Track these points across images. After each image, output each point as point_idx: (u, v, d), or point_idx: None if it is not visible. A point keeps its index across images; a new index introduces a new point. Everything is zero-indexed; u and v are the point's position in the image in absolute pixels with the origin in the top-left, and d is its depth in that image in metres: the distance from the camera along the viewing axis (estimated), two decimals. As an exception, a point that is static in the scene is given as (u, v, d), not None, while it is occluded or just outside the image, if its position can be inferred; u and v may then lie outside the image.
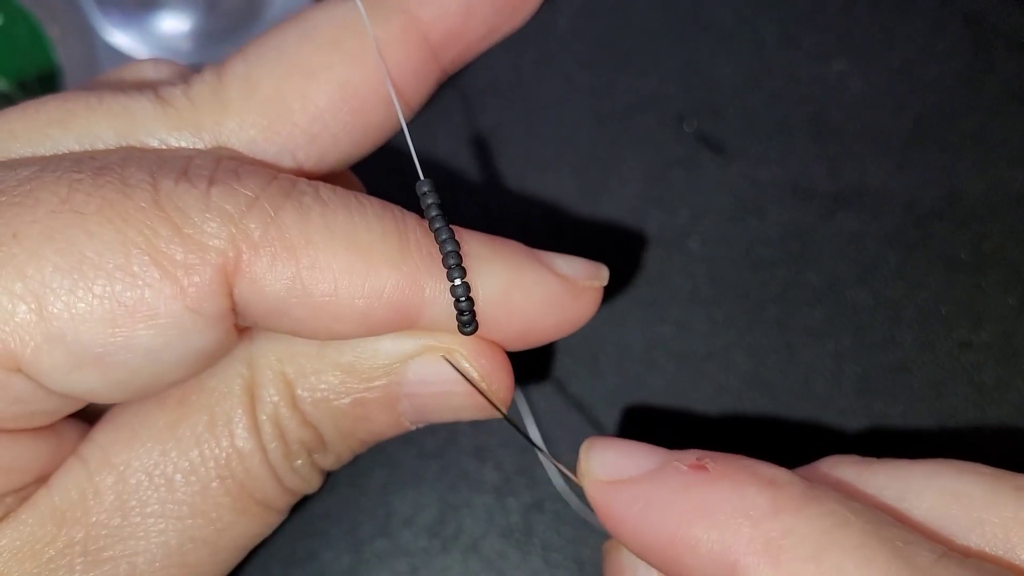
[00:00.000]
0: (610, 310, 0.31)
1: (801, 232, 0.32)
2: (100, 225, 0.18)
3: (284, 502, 0.23)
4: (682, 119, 0.33)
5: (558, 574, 0.30)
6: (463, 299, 0.20)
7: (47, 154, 0.21)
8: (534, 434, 0.30)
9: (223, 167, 0.20)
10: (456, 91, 0.33)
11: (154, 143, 0.21)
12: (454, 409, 0.22)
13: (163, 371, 0.20)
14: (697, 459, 0.20)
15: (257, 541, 0.23)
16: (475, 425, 0.31)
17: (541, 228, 0.33)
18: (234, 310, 0.20)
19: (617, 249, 0.32)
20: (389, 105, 0.22)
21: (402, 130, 0.22)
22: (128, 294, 0.18)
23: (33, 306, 0.18)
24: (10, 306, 0.18)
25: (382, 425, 0.23)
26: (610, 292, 0.24)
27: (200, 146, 0.21)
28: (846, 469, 0.21)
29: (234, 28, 0.33)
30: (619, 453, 0.21)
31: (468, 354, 0.21)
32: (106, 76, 0.24)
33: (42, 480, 0.21)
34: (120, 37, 0.33)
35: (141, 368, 0.19)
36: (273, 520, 0.23)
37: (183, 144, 0.21)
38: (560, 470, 0.22)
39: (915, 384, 0.31)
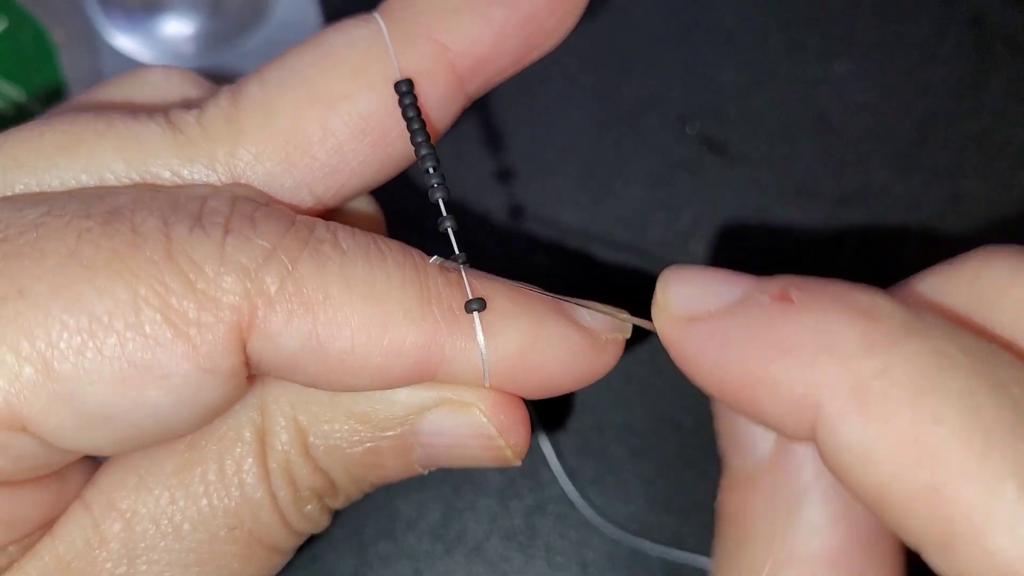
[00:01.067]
0: (613, 312, 0.31)
1: (804, 234, 0.32)
2: (110, 280, 0.18)
3: (292, 544, 0.22)
4: (685, 122, 0.33)
5: (562, 576, 0.30)
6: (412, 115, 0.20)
7: (54, 185, 0.20)
8: (538, 435, 0.30)
9: (238, 212, 0.19)
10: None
11: (166, 174, 0.20)
12: (468, 459, 0.22)
13: (173, 427, 0.19)
14: (782, 288, 0.18)
15: None
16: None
17: (544, 232, 0.33)
18: (247, 364, 0.19)
19: (620, 251, 0.32)
20: (408, 141, 0.21)
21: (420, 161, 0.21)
22: (139, 354, 0.18)
23: (39, 366, 0.17)
24: (16, 366, 0.17)
25: (394, 471, 0.22)
26: (612, 292, 0.24)
27: (214, 178, 0.20)
28: (1000, 264, 0.18)
29: (238, 32, 0.33)
30: (698, 285, 0.19)
31: (487, 409, 0.21)
32: (114, 85, 0.23)
33: (46, 526, 0.20)
34: (124, 41, 0.33)
35: (151, 426, 0.19)
36: (279, 561, 0.23)
37: (196, 176, 0.20)
38: (634, 321, 0.20)
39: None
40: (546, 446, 0.23)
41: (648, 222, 0.32)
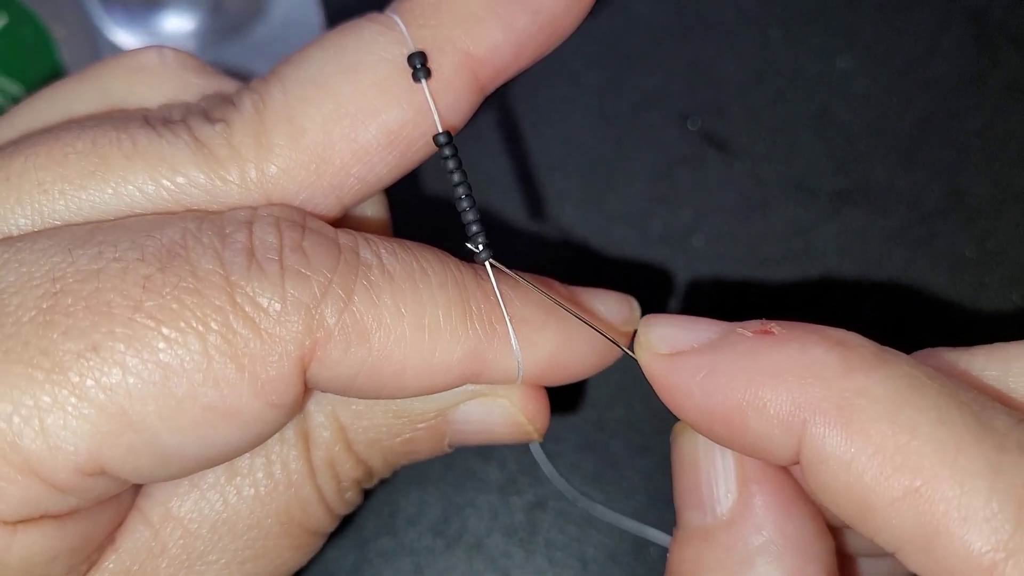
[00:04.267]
0: (614, 308, 0.31)
1: (805, 230, 0.32)
2: (181, 332, 0.18)
3: (334, 527, 0.24)
4: (686, 117, 0.33)
5: (562, 573, 0.30)
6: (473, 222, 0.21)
7: (84, 210, 0.20)
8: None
9: (287, 243, 0.20)
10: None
11: (200, 194, 0.20)
12: (495, 440, 0.23)
13: (237, 452, 0.20)
14: (762, 325, 0.19)
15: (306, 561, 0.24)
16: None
17: (546, 227, 0.33)
18: (305, 389, 0.20)
19: (621, 247, 0.32)
20: (431, 143, 0.22)
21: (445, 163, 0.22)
22: (211, 398, 0.18)
23: (119, 419, 0.18)
24: (97, 419, 0.18)
25: (426, 453, 0.24)
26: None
27: (248, 197, 0.21)
28: (944, 356, 0.21)
29: (239, 27, 0.33)
30: (679, 326, 0.20)
31: (516, 400, 0.23)
32: (109, 71, 0.23)
33: (108, 537, 0.21)
34: (125, 37, 0.33)
35: (218, 456, 0.20)
36: (322, 542, 0.24)
37: (230, 195, 0.20)
38: (614, 342, 0.22)
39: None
40: (538, 451, 0.24)
41: (649, 218, 0.32)
